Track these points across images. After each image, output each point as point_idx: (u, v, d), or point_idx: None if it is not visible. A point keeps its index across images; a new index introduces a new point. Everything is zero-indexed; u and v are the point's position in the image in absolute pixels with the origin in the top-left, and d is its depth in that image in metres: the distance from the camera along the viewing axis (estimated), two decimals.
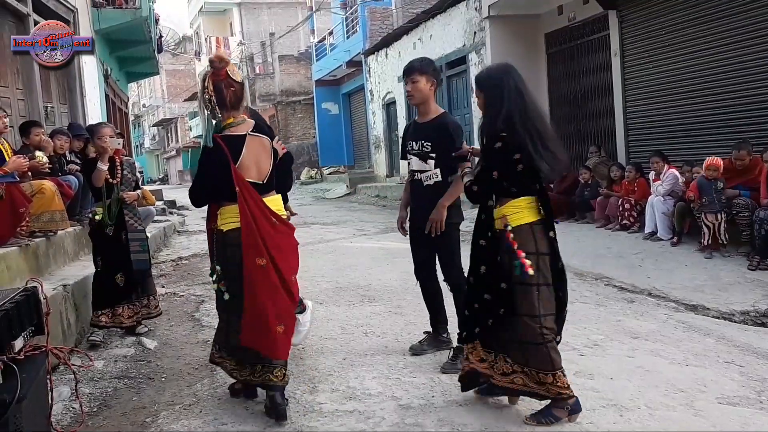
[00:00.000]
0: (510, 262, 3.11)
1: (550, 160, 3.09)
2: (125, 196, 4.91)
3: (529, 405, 3.26)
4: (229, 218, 3.33)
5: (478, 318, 3.25)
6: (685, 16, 8.51)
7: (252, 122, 3.45)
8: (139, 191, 5.17)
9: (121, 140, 5.15)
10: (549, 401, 3.12)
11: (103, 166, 4.76)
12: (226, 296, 3.37)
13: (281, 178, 3.70)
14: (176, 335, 5.08)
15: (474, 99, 3.47)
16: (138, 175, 8.94)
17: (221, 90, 3.31)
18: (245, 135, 3.35)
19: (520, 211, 3.15)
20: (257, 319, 3.24)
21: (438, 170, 4.01)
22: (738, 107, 7.86)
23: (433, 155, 4.01)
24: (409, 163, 4.20)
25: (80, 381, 3.86)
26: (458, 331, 3.53)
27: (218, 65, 3.31)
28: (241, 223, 3.25)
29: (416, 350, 4.25)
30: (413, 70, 4.02)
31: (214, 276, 3.45)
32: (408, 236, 4.25)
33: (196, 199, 3.56)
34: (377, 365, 4.04)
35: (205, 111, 3.37)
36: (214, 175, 3.33)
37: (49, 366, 3.15)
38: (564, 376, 3.10)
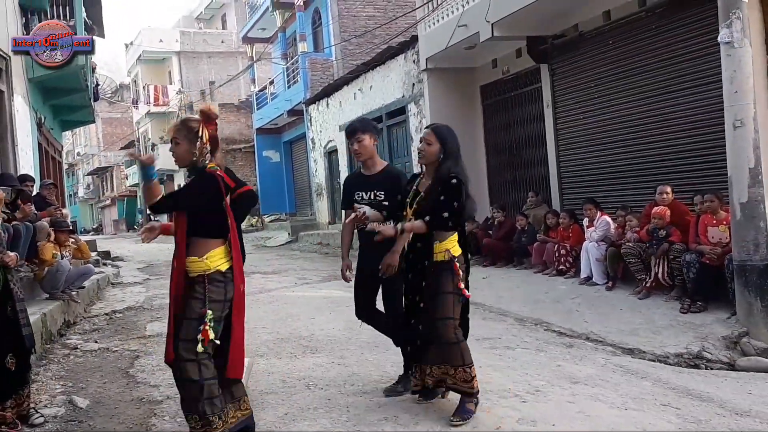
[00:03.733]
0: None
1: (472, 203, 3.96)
2: (7, 259, 4.07)
3: None
4: (221, 258, 3.38)
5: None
6: (611, 70, 8.94)
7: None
8: (16, 252, 4.32)
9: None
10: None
11: None
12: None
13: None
14: (109, 393, 4.87)
15: (416, 146, 3.85)
16: (69, 223, 8.67)
17: (216, 139, 3.44)
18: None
19: (455, 245, 3.87)
20: (239, 346, 3.47)
21: (391, 219, 4.17)
22: (664, 155, 8.23)
23: (387, 203, 4.26)
24: None
25: None
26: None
27: (213, 116, 3.40)
28: (234, 256, 3.41)
29: (389, 392, 4.36)
30: (357, 131, 4.36)
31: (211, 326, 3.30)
32: (353, 281, 4.46)
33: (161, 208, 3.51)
34: (320, 419, 3.96)
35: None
36: (203, 205, 3.35)
37: None
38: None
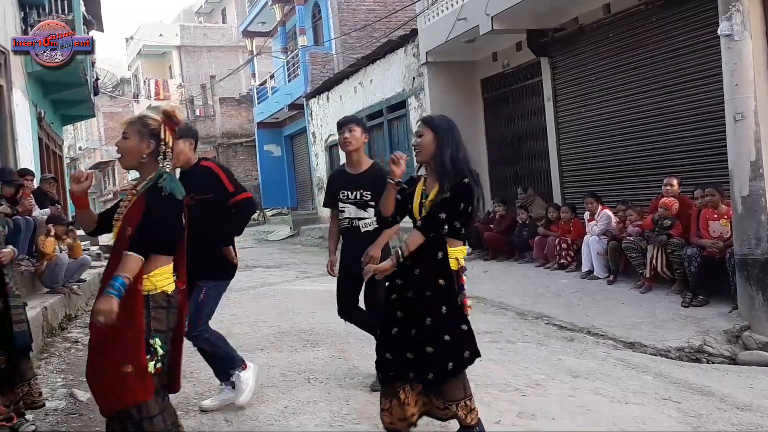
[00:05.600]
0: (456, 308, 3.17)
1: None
2: (1, 256, 3.91)
3: None
4: (167, 277, 2.87)
5: (413, 369, 3.15)
6: (612, 63, 8.91)
7: None
8: (10, 247, 4.13)
9: None
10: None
11: None
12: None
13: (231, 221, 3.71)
14: None
15: (414, 142, 3.46)
16: (70, 218, 8.66)
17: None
18: None
19: (460, 255, 3.24)
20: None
21: (376, 217, 4.22)
22: (665, 149, 8.21)
23: (373, 203, 4.22)
24: (342, 211, 4.39)
25: None
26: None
27: (177, 120, 3.02)
28: (183, 277, 2.98)
29: (376, 387, 4.23)
30: (351, 121, 4.36)
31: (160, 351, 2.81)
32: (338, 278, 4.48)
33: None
34: (320, 413, 3.96)
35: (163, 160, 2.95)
36: (176, 228, 2.92)
37: None
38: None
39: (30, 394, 3.90)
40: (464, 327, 3.17)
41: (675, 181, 7.26)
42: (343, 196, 4.37)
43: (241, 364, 4.08)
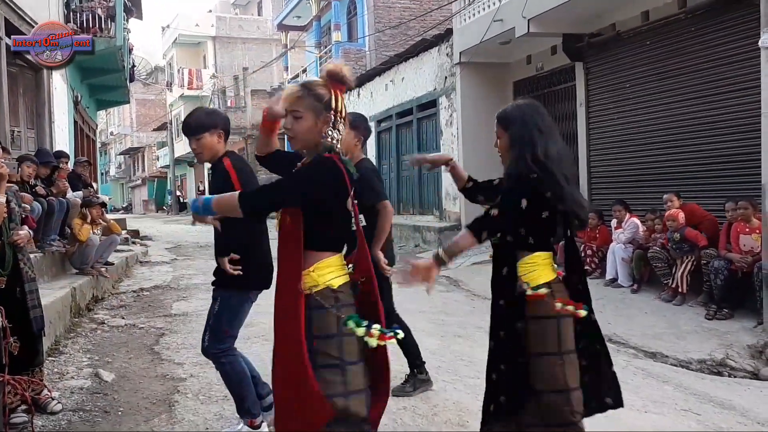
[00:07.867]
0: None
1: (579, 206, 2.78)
2: (17, 238, 3.72)
3: None
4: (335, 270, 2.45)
5: (492, 392, 2.78)
6: (648, 71, 8.82)
7: None
8: (26, 229, 4.02)
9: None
10: None
11: (2, 198, 3.54)
12: None
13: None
14: (134, 368, 4.97)
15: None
16: (107, 201, 8.80)
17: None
18: None
19: (536, 269, 2.72)
20: None
21: (362, 215, 4.00)
22: (697, 159, 8.11)
23: (355, 201, 4.02)
24: None
25: (34, 414, 3.74)
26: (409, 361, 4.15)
27: (347, 81, 2.42)
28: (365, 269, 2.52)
29: (397, 392, 4.11)
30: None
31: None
32: None
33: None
34: None
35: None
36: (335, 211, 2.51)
37: (5, 397, 3.06)
38: None
39: (39, 380, 3.83)
40: (520, 359, 2.65)
41: (674, 197, 7.40)
42: None
43: (250, 417, 3.44)
